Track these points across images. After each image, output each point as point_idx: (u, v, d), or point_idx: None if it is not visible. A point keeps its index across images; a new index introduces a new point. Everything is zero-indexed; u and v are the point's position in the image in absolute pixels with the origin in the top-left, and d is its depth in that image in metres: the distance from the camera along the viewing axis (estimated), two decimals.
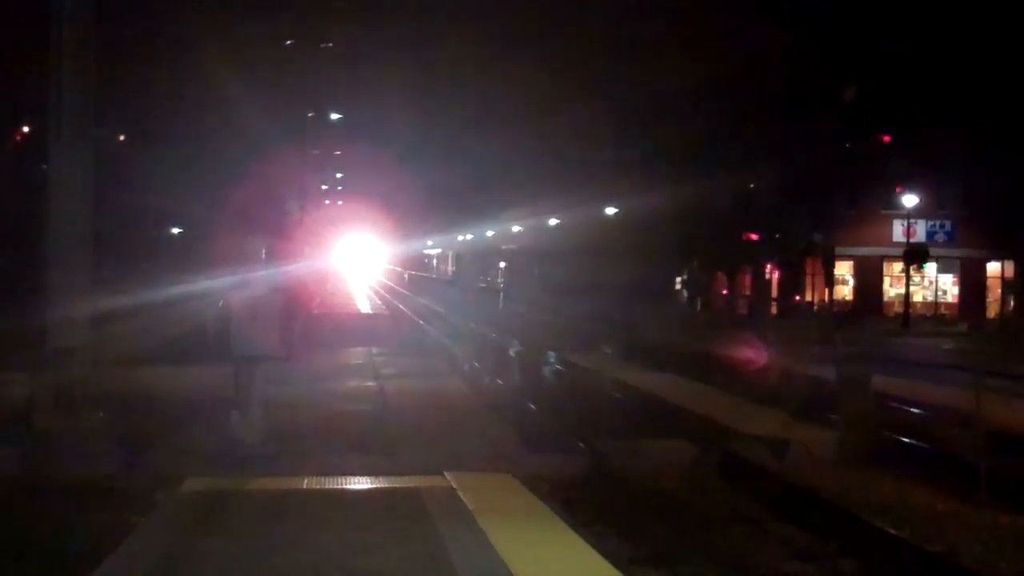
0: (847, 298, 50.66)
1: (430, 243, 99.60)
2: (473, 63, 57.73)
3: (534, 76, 53.96)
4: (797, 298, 51.01)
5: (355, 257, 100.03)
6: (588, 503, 10.85)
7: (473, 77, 60.41)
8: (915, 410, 17.32)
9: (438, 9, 50.51)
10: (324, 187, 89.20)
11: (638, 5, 46.74)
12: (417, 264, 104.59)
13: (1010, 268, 49.34)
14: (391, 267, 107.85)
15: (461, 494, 9.97)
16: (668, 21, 44.95)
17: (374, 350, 26.92)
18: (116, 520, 8.93)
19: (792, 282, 51.80)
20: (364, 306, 56.92)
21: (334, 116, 64.22)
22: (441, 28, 52.44)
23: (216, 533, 8.66)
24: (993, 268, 50.34)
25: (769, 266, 53.90)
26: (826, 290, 49.09)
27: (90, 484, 10.05)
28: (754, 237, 51.13)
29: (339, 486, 10.53)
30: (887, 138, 45.52)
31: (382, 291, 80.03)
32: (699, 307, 57.28)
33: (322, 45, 46.61)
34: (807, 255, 49.36)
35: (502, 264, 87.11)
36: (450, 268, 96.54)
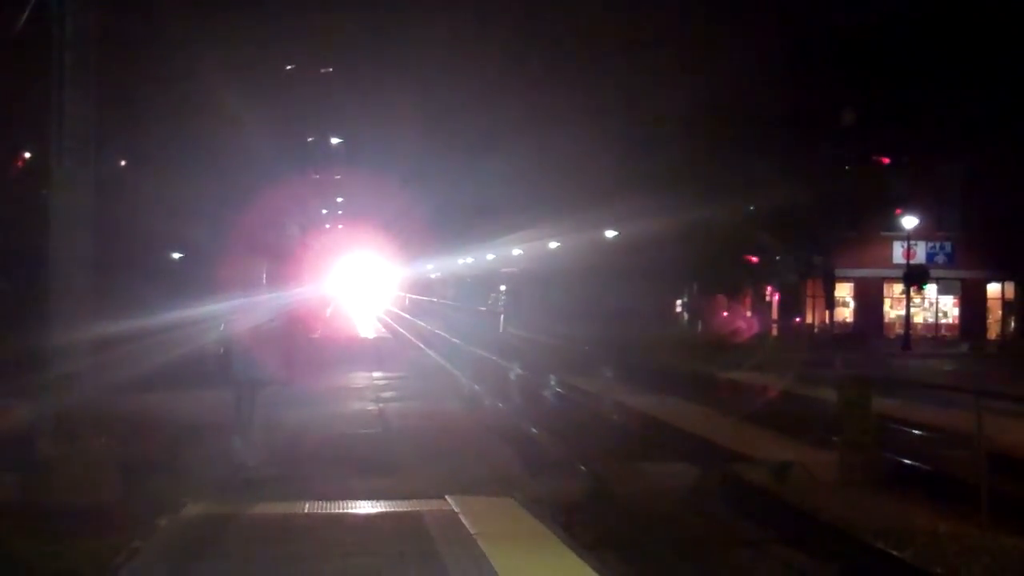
0: (848, 320, 50.66)
1: (431, 267, 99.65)
2: (474, 88, 57.93)
3: (535, 100, 54.16)
4: (798, 320, 51.00)
5: (358, 282, 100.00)
6: (590, 526, 10.85)
7: (474, 102, 60.62)
8: (916, 432, 17.32)
9: (439, 34, 50.74)
10: (324, 211, 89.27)
11: (638, 30, 46.94)
12: (420, 288, 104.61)
13: (1010, 289, 49.38)
14: (396, 292, 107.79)
15: (463, 518, 9.97)
16: (668, 46, 45.13)
17: (375, 373, 26.97)
18: (117, 545, 8.92)
19: (793, 304, 51.80)
20: (365, 330, 56.94)
21: (335, 140, 64.37)
22: (442, 53, 52.65)
23: (217, 558, 8.67)
24: (993, 289, 50.37)
25: (770, 288, 53.91)
26: (827, 312, 49.10)
27: (91, 510, 10.05)
28: (754, 259, 51.15)
29: (341, 510, 10.53)
30: (886, 160, 45.65)
31: (383, 315, 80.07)
32: (699, 329, 57.23)
33: (322, 70, 46.77)
34: (807, 277, 49.39)
35: (503, 287, 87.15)
36: (452, 291, 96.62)
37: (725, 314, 53.96)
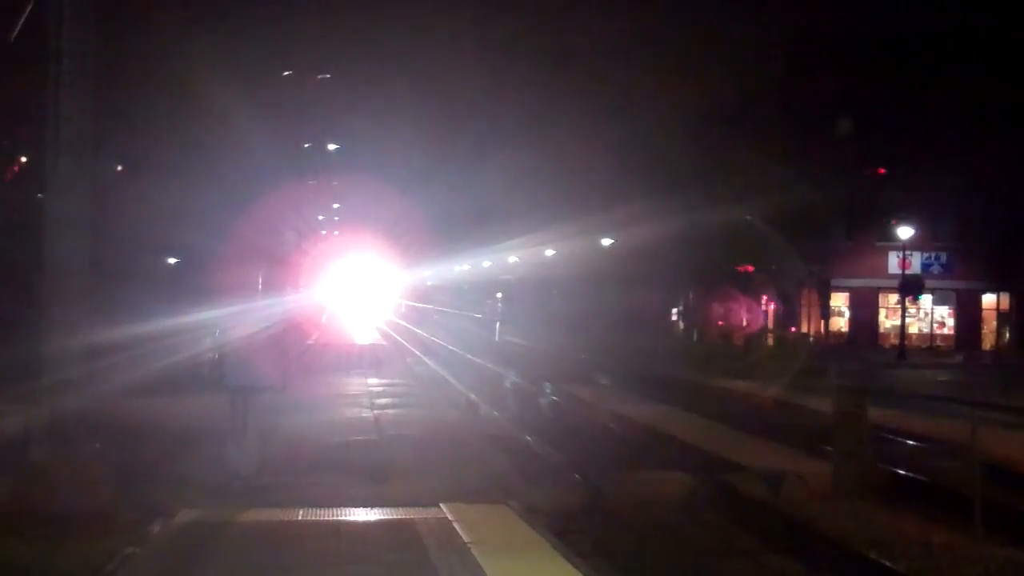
0: (843, 329, 50.70)
1: (428, 274, 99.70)
2: (471, 95, 58.02)
3: (532, 107, 54.24)
4: (793, 329, 51.04)
5: (355, 289, 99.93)
6: (585, 535, 10.83)
7: (471, 109, 60.71)
8: (911, 442, 17.32)
9: (437, 40, 50.82)
10: (321, 217, 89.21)
11: (635, 39, 47.05)
12: (417, 295, 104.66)
13: (1005, 300, 49.48)
14: (392, 299, 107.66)
15: (457, 526, 9.95)
16: (665, 55, 45.24)
17: (370, 379, 26.97)
18: (110, 551, 8.90)
19: (788, 313, 51.85)
20: (360, 336, 56.91)
21: (331, 146, 64.34)
22: (440, 59, 52.74)
23: (210, 565, 8.65)
24: (988, 300, 50.48)
25: (765, 297, 53.96)
26: (822, 321, 49.15)
27: (84, 515, 10.01)
28: (750, 268, 51.21)
29: (334, 518, 10.51)
30: (882, 170, 45.77)
31: (379, 321, 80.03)
32: (695, 338, 57.27)
33: (319, 76, 46.79)
34: (803, 286, 49.44)
35: (499, 294, 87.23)
36: (449, 299, 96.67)
37: (730, 308, 54.05)
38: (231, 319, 12.56)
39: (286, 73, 42.17)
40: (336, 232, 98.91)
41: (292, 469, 13.04)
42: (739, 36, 43.45)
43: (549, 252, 69.10)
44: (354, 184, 75.89)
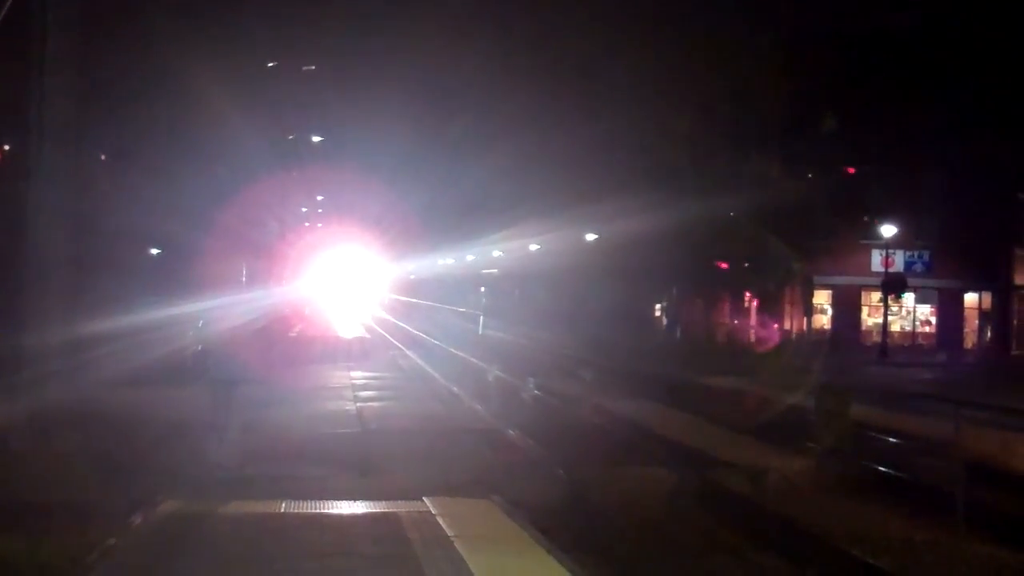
0: (825, 327, 50.80)
1: (412, 267, 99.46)
2: (457, 89, 57.92)
3: (518, 101, 54.14)
4: (776, 326, 51.12)
5: (339, 282, 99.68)
6: (568, 530, 10.82)
7: (457, 102, 60.60)
8: (893, 440, 17.37)
9: (424, 32, 50.67)
10: (304, 210, 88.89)
11: (620, 34, 47.01)
12: (401, 288, 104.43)
13: (987, 299, 49.69)
14: (376, 292, 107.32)
15: (440, 519, 9.93)
16: (650, 51, 45.21)
17: (353, 373, 26.93)
18: (92, 543, 8.84)
19: (771, 310, 51.91)
20: (344, 329, 56.79)
21: (315, 138, 64.17)
22: (426, 52, 52.60)
23: (192, 557, 8.61)
24: (971, 299, 50.66)
25: (748, 294, 54.03)
26: (805, 319, 49.25)
27: (66, 506, 9.97)
28: (733, 265, 51.25)
29: (317, 510, 10.47)
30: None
31: (363, 314, 79.92)
32: (678, 334, 57.32)
33: (304, 68, 46.66)
34: (786, 284, 49.51)
35: (483, 288, 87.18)
36: (432, 292, 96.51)
37: (714, 305, 54.10)
38: (215, 311, 12.53)
39: (271, 64, 42.03)
40: (320, 224, 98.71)
41: (275, 461, 13.00)
42: (724, 32, 43.46)
43: (533, 247, 69.09)
44: (338, 176, 75.69)
